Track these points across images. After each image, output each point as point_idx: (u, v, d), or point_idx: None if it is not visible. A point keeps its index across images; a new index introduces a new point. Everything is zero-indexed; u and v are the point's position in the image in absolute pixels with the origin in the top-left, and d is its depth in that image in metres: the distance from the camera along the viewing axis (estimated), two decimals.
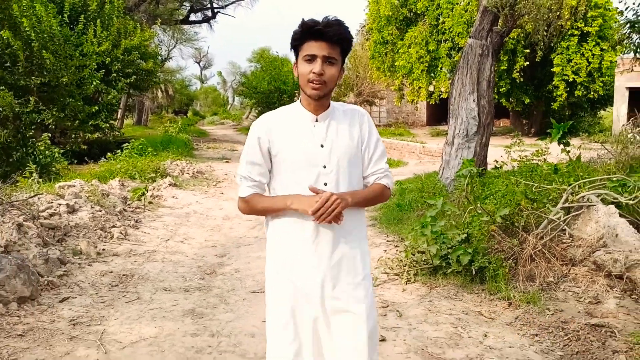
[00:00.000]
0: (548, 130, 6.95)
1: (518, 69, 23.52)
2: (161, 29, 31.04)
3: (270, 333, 2.17)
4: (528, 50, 22.77)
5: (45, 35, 13.06)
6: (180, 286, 4.94)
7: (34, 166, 7.59)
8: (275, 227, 2.17)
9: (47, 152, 11.65)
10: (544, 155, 7.36)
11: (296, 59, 2.10)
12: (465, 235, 5.13)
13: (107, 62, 17.40)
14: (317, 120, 2.13)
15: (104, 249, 5.68)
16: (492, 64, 8.96)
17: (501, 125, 32.97)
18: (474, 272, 4.94)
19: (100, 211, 6.52)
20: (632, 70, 16.61)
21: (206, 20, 32.22)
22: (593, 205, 5.48)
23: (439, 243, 5.14)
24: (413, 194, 8.61)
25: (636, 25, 14.10)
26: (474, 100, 8.74)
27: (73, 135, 17.38)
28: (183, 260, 5.77)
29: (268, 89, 33.18)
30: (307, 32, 2.02)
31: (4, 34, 12.21)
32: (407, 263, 5.30)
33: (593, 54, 23.24)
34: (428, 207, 5.91)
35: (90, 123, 16.78)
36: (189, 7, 30.86)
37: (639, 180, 5.44)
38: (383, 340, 3.80)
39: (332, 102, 2.18)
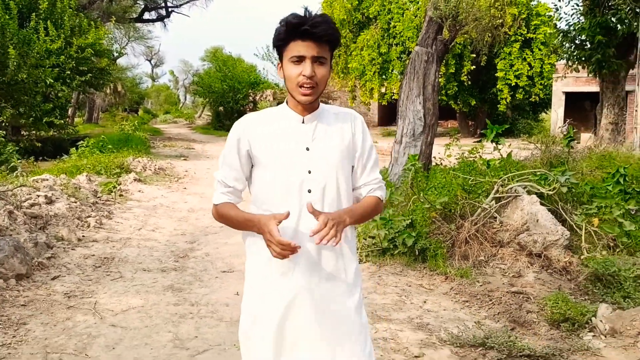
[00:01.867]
0: (482, 131, 7.81)
1: (465, 72, 24.78)
2: (115, 26, 30.90)
3: None
4: (474, 55, 24.02)
5: (7, 33, 13.21)
6: (158, 267, 5.51)
7: (15, 158, 7.91)
8: (253, 250, 2.01)
9: (4, 148, 11.81)
10: (479, 152, 8.22)
11: (280, 60, 1.91)
12: (410, 221, 5.90)
13: (60, 60, 17.52)
14: (303, 122, 1.95)
15: (83, 236, 6.17)
16: (436, 70, 9.80)
17: (449, 126, 34.29)
18: (417, 252, 5.70)
19: (75, 202, 6.98)
20: (565, 76, 17.95)
21: (160, 19, 32.28)
22: (519, 196, 6.35)
23: (387, 228, 5.88)
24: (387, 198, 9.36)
25: (568, 35, 15.37)
26: (420, 102, 9.56)
27: (26, 133, 17.43)
28: (157, 246, 6.32)
29: (222, 88, 33.47)
30: (292, 31, 1.84)
31: None
32: (360, 246, 6.02)
33: (535, 59, 24.71)
34: None
35: (44, 120, 16.88)
36: (143, 6, 30.86)
37: (557, 174, 6.33)
38: None
39: (322, 104, 2.01)
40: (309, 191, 1.91)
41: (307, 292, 1.90)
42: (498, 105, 25.71)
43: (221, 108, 33.72)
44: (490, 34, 12.49)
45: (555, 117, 24.26)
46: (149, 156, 14.39)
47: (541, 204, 6.17)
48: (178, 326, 4.05)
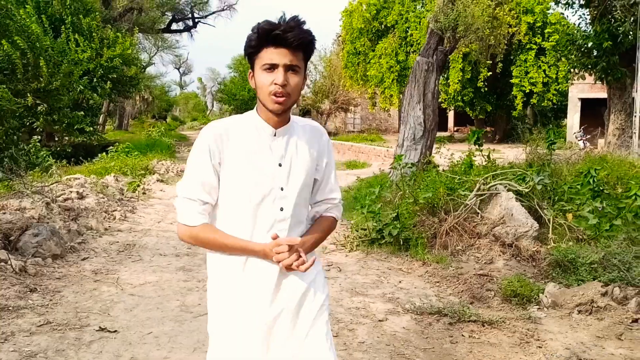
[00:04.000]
0: (468, 131, 8.44)
1: (482, 79, 25.28)
2: (144, 37, 32.22)
3: None
4: (490, 62, 24.54)
5: (38, 45, 14.29)
6: (173, 252, 6.32)
7: (52, 160, 8.86)
8: (221, 266, 1.93)
9: (39, 153, 12.84)
10: (473, 155, 8.85)
11: (252, 68, 1.84)
12: (396, 214, 6.60)
13: (90, 68, 18.65)
14: (275, 135, 1.87)
15: (109, 226, 7.03)
16: (436, 78, 10.48)
17: (469, 132, 34.69)
18: (401, 242, 6.41)
19: (103, 198, 7.86)
20: (572, 82, 18.35)
21: (187, 29, 33.52)
22: (499, 193, 7.00)
23: (376, 220, 6.60)
24: (368, 188, 10.07)
25: (575, 42, 15.84)
26: (420, 109, 10.25)
27: (59, 139, 18.57)
28: (173, 236, 7.13)
29: (248, 96, 34.47)
30: (264, 37, 1.77)
31: (4, 44, 13.41)
32: (352, 237, 6.75)
33: (550, 66, 25.07)
34: (370, 193, 7.37)
35: (75, 127, 17.98)
36: (170, 17, 32.12)
37: (533, 174, 6.96)
38: None
39: (291, 115, 1.93)
40: (281, 209, 1.85)
41: (285, 311, 1.88)
42: (512, 112, 26.11)
43: None
44: (493, 44, 13.13)
45: (572, 122, 24.56)
46: (172, 159, 15.31)
47: (517, 199, 6.81)
48: (185, 296, 4.83)
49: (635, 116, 13.22)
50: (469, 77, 25.35)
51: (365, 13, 27.28)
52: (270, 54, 1.78)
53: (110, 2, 25.98)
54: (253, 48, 1.81)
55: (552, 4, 24.66)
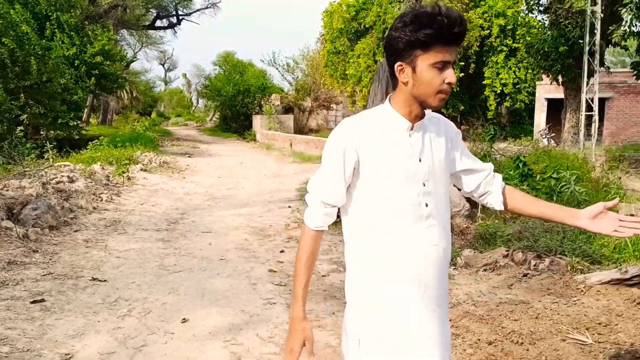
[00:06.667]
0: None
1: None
2: (128, 33, 32.89)
3: None
4: (463, 63, 25.63)
5: (27, 45, 15.07)
6: (154, 228, 7.25)
7: (51, 146, 9.74)
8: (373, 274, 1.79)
9: (25, 145, 13.63)
10: None
11: (410, 60, 1.70)
12: None
13: (75, 64, 19.43)
14: (412, 129, 1.78)
15: (97, 206, 7.94)
16: None
17: None
18: None
19: (92, 183, 8.75)
20: (532, 85, 19.48)
21: (171, 26, 34.26)
22: None
23: None
24: None
25: (535, 46, 16.96)
26: None
27: (44, 132, 19.33)
28: (155, 215, 8.06)
29: (232, 93, 35.21)
30: (441, 34, 1.64)
31: None
32: None
33: (519, 68, 26.24)
34: None
35: (59, 121, 18.71)
36: (155, 14, 32.84)
37: None
38: (282, 251, 6.20)
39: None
40: (426, 205, 1.78)
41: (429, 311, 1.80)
42: (487, 112, 27.26)
43: (228, 111, 35.42)
44: (465, 46, 14.13)
45: (538, 121, 25.79)
46: (156, 152, 16.19)
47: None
48: (163, 259, 5.77)
49: (582, 115, 14.34)
50: None
51: (344, 14, 28.27)
52: (444, 52, 1.67)
53: None
54: (422, 43, 1.65)
55: (524, 7, 25.91)
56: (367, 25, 28.07)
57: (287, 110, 35.97)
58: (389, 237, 1.76)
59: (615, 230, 1.80)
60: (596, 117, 15.13)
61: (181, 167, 14.48)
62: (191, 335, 3.85)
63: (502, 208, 1.97)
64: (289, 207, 8.95)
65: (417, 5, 11.55)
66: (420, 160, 1.78)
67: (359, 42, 28.47)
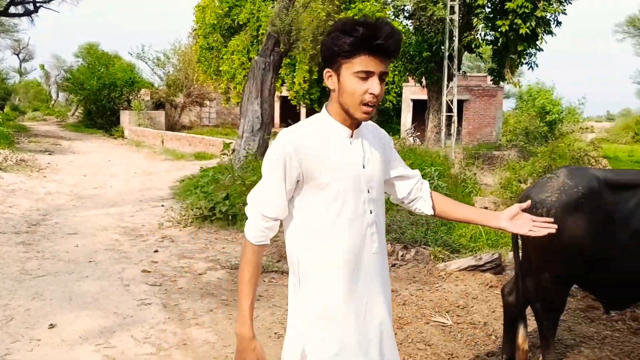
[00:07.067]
0: None
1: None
2: None
3: None
4: None
5: None
6: (12, 231, 6.71)
7: None
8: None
9: None
10: None
11: (333, 67, 1.71)
12: (226, 194, 7.54)
13: None
14: (351, 136, 1.78)
15: None
16: (272, 77, 11.58)
17: None
18: (230, 217, 7.36)
19: None
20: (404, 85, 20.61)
21: (27, 13, 31.61)
22: None
23: (208, 199, 7.49)
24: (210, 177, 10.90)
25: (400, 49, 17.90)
26: (257, 104, 11.29)
27: None
28: (13, 217, 7.45)
29: (97, 86, 33.25)
30: (363, 43, 1.63)
31: None
32: (187, 215, 7.57)
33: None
34: (204, 176, 8.25)
35: None
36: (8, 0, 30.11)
37: None
38: (156, 251, 6.03)
39: None
40: (371, 212, 1.79)
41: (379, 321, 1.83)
42: None
43: (93, 106, 33.43)
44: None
45: (405, 121, 27.28)
46: (11, 149, 14.90)
47: None
48: (25, 263, 5.37)
49: (443, 115, 15.42)
50: (316, 77, 27.05)
51: (217, 9, 27.87)
52: (367, 62, 1.66)
53: None
54: (347, 52, 1.66)
55: (391, 12, 27.25)
56: (240, 22, 27.91)
57: (158, 106, 34.74)
58: (335, 247, 1.74)
59: (531, 230, 1.89)
60: (455, 118, 16.37)
61: (41, 165, 13.47)
62: (59, 340, 3.65)
63: (432, 213, 2.00)
64: (162, 205, 8.70)
65: (290, 5, 11.75)
66: (364, 167, 1.78)
67: (232, 38, 28.25)
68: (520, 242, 3.29)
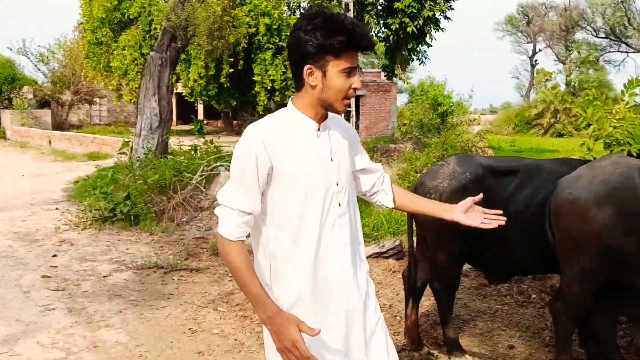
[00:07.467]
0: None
1: (224, 75, 26.78)
2: None
3: None
4: (232, 60, 26.16)
5: None
6: None
7: None
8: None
9: None
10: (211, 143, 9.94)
11: (321, 65, 1.70)
12: (127, 194, 7.37)
13: None
14: (319, 129, 1.80)
15: None
16: (169, 73, 11.38)
17: (218, 125, 36.21)
18: (132, 218, 7.20)
19: None
20: None
21: None
22: (219, 173, 8.24)
23: (108, 200, 7.27)
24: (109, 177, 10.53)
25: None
26: (155, 101, 11.05)
27: None
28: None
29: None
30: (352, 41, 1.69)
31: None
32: (85, 217, 7.31)
33: (285, 65, 27.67)
34: (103, 177, 8.00)
35: None
36: None
37: None
38: (55, 256, 5.80)
39: None
40: (339, 204, 1.81)
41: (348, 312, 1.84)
42: (257, 107, 28.28)
43: None
44: (232, 43, 14.45)
45: None
46: None
47: None
48: None
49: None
50: (212, 73, 26.67)
51: (106, 2, 26.64)
52: (352, 58, 1.72)
53: None
54: (335, 50, 1.68)
55: (286, 8, 27.44)
56: (131, 16, 26.87)
57: (43, 104, 32.79)
58: (305, 240, 1.76)
59: (483, 222, 1.96)
60: (354, 113, 16.88)
61: None
62: None
63: (392, 206, 2.05)
64: (57, 208, 8.32)
65: (185, 0, 11.57)
66: (332, 160, 1.80)
67: (123, 33, 27.15)
68: (415, 227, 3.58)
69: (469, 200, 1.99)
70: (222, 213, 1.74)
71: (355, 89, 1.75)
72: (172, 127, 12.51)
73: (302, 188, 1.74)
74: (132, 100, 28.54)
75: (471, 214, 1.98)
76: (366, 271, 1.95)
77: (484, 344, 3.79)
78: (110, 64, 27.00)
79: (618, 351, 3.20)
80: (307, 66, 1.71)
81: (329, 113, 1.83)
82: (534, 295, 4.75)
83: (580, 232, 2.84)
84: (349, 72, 1.72)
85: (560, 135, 30.25)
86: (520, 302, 4.63)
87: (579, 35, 44.22)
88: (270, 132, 1.73)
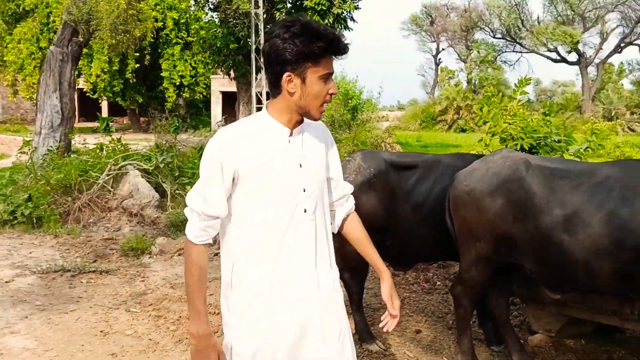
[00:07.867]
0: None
1: (130, 70, 25.86)
2: None
3: None
4: (138, 54, 25.32)
5: None
6: None
7: None
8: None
9: None
10: (117, 142, 9.63)
11: (300, 72, 1.72)
12: (28, 195, 7.02)
13: None
14: (291, 134, 1.80)
15: None
16: (72, 68, 10.91)
17: (125, 122, 34.92)
18: (34, 220, 6.88)
19: None
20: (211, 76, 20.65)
21: None
22: (128, 172, 8.03)
23: (7, 202, 6.90)
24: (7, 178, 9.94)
25: (207, 41, 17.90)
26: (57, 97, 10.54)
27: None
28: None
29: None
30: (331, 47, 1.72)
31: None
32: None
33: (197, 61, 27.12)
34: (1, 178, 7.57)
35: None
36: None
37: (157, 154, 8.20)
38: None
39: None
40: (305, 211, 1.80)
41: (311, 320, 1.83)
42: (166, 104, 27.54)
43: None
44: (137, 38, 14.01)
45: (215, 113, 27.34)
46: None
47: (142, 176, 7.94)
48: None
49: (253, 107, 15.88)
50: (117, 68, 25.67)
51: None
52: (329, 63, 1.74)
53: None
54: (315, 56, 1.70)
55: (193, 3, 26.84)
56: (27, 8, 25.32)
57: None
58: (269, 245, 1.77)
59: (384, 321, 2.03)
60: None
61: None
62: None
63: (335, 231, 2.03)
64: None
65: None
66: (300, 166, 1.79)
67: (18, 25, 25.57)
68: None
69: (388, 300, 2.00)
70: (188, 215, 1.79)
71: (332, 95, 1.76)
72: (75, 125, 11.97)
73: (266, 193, 1.75)
74: (30, 97, 26.97)
75: (386, 300, 2.01)
76: (334, 279, 1.92)
77: (393, 330, 3.99)
78: (5, 58, 25.35)
79: (512, 329, 3.50)
80: (287, 74, 1.71)
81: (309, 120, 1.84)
82: (439, 283, 5.07)
83: (476, 220, 3.10)
84: (327, 77, 1.74)
85: (463, 130, 31.77)
86: (426, 290, 4.92)
87: (479, 35, 46.65)
88: (239, 137, 1.75)
